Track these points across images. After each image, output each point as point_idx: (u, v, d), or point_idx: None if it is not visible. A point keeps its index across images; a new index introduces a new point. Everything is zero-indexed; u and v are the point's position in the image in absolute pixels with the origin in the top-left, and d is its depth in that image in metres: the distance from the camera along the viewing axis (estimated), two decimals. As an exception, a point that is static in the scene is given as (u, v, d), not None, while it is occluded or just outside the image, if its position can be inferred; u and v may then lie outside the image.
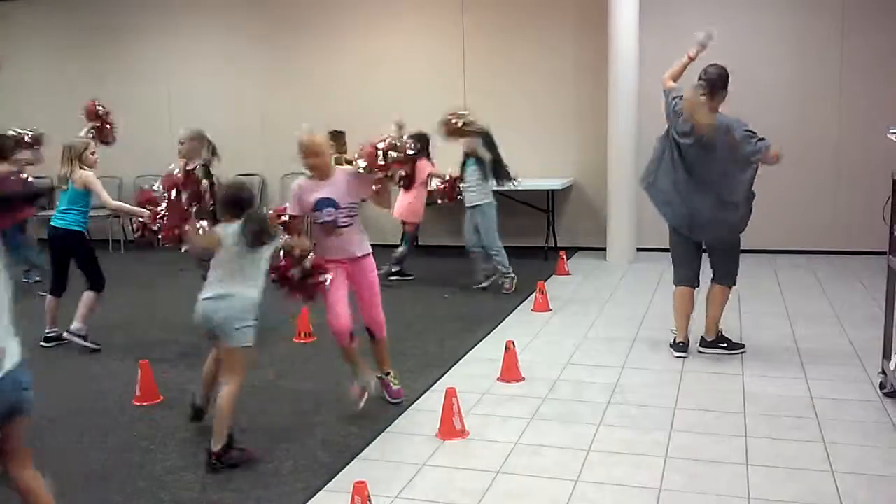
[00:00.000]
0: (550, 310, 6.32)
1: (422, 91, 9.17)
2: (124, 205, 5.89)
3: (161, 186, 5.15)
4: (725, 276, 5.02)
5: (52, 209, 5.57)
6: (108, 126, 6.46)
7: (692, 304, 5.09)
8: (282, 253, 3.99)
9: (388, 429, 4.05)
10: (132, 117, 10.28)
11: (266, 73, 9.83)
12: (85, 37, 10.53)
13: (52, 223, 5.49)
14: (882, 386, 4.32)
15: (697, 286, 5.12)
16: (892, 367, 4.13)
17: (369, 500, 3.01)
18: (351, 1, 9.40)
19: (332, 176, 4.17)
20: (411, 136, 6.33)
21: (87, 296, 5.53)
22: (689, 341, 5.08)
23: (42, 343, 5.54)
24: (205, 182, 5.20)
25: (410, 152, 4.27)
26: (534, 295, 6.47)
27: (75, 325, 5.50)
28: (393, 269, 7.56)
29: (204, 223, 4.24)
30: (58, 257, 5.54)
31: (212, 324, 3.67)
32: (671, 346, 5.12)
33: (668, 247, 9.14)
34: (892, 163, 4.78)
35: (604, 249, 8.42)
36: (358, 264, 4.25)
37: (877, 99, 7.92)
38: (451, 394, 3.94)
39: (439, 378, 4.80)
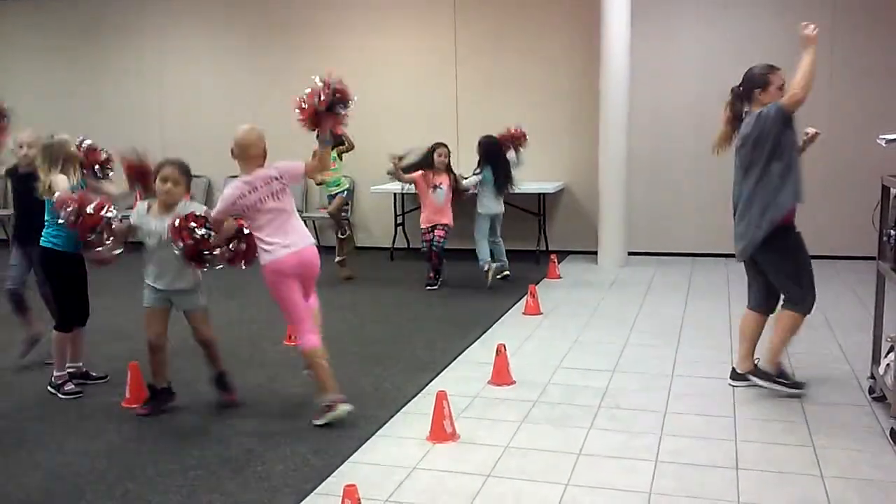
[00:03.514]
0: (542, 313, 6.32)
1: (415, 96, 9.18)
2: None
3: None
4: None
5: None
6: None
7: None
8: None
9: (378, 432, 4.04)
10: (122, 118, 10.27)
11: (258, 75, 9.79)
12: (74, 36, 10.47)
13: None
14: (871, 390, 4.34)
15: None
16: (881, 372, 4.14)
17: (359, 504, 3.01)
18: (344, 6, 9.39)
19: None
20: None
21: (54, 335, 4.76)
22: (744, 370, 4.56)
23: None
24: None
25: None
26: (525, 298, 6.48)
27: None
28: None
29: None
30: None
31: None
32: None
33: (658, 251, 9.19)
34: (881, 168, 4.81)
35: (595, 253, 8.43)
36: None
37: (866, 104, 7.96)
38: (441, 397, 3.94)
39: (430, 381, 4.79)
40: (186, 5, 10.03)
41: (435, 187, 7.32)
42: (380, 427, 4.10)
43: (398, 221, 9.13)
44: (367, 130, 8.98)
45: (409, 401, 4.48)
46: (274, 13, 9.66)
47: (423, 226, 7.45)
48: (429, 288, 7.37)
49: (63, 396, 4.66)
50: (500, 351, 4.76)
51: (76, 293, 4.78)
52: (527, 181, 8.63)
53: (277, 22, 9.66)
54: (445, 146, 7.42)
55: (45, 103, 10.45)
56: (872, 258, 4.45)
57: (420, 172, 7.34)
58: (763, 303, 4.52)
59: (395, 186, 8.80)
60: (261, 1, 9.70)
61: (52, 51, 10.61)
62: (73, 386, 4.72)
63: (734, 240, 4.42)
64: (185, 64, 10.11)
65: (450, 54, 9.10)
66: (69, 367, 4.80)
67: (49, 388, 4.73)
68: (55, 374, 4.73)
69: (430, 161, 7.35)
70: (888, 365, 4.05)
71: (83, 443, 4.01)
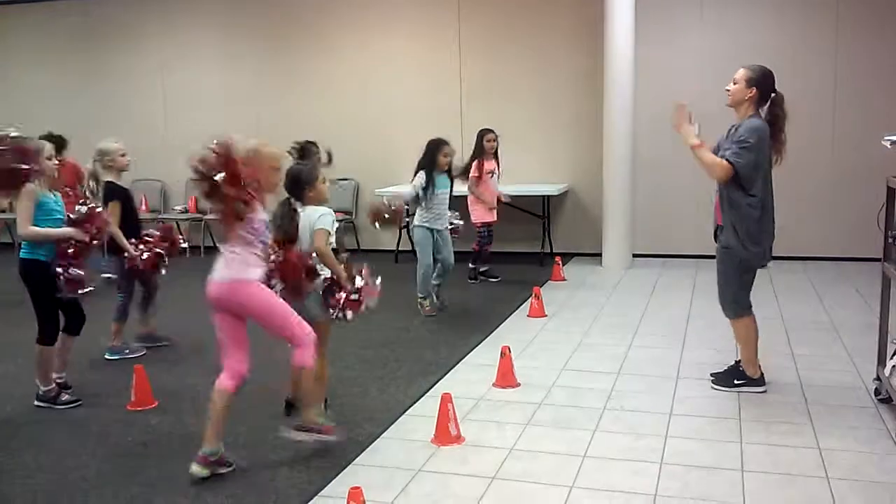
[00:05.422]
0: (546, 315, 6.32)
1: (419, 98, 9.19)
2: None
3: None
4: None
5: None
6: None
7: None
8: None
9: (382, 434, 4.05)
10: (124, 121, 10.29)
11: (262, 78, 9.82)
12: (78, 39, 10.51)
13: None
14: (877, 392, 4.33)
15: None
16: (886, 373, 4.13)
17: (364, 506, 3.01)
18: (348, 8, 9.42)
19: None
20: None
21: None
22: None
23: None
24: None
25: None
26: (529, 300, 6.47)
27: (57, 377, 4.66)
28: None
29: None
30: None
31: None
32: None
33: (664, 253, 9.18)
34: (886, 169, 4.80)
35: (599, 255, 8.43)
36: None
37: (871, 106, 7.95)
38: (446, 399, 3.94)
39: (435, 384, 4.79)
40: (189, 8, 10.06)
41: (491, 173, 7.38)
42: (384, 429, 4.11)
43: (402, 224, 9.13)
44: (370, 132, 9.01)
45: (414, 403, 4.48)
46: (277, 15, 9.68)
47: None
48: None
49: (61, 407, 4.54)
50: (505, 353, 4.76)
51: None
52: (531, 183, 8.66)
53: (280, 24, 9.68)
54: (493, 131, 7.38)
55: (47, 105, 10.50)
56: (878, 260, 4.44)
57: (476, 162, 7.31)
58: None
59: (399, 189, 8.81)
60: (263, 3, 9.73)
61: (55, 53, 10.65)
62: (68, 395, 4.61)
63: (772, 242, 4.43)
64: (187, 67, 10.14)
65: (454, 55, 9.11)
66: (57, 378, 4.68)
67: (38, 402, 4.57)
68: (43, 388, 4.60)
69: (481, 148, 7.34)
70: (894, 366, 4.04)
71: (88, 446, 4.02)
